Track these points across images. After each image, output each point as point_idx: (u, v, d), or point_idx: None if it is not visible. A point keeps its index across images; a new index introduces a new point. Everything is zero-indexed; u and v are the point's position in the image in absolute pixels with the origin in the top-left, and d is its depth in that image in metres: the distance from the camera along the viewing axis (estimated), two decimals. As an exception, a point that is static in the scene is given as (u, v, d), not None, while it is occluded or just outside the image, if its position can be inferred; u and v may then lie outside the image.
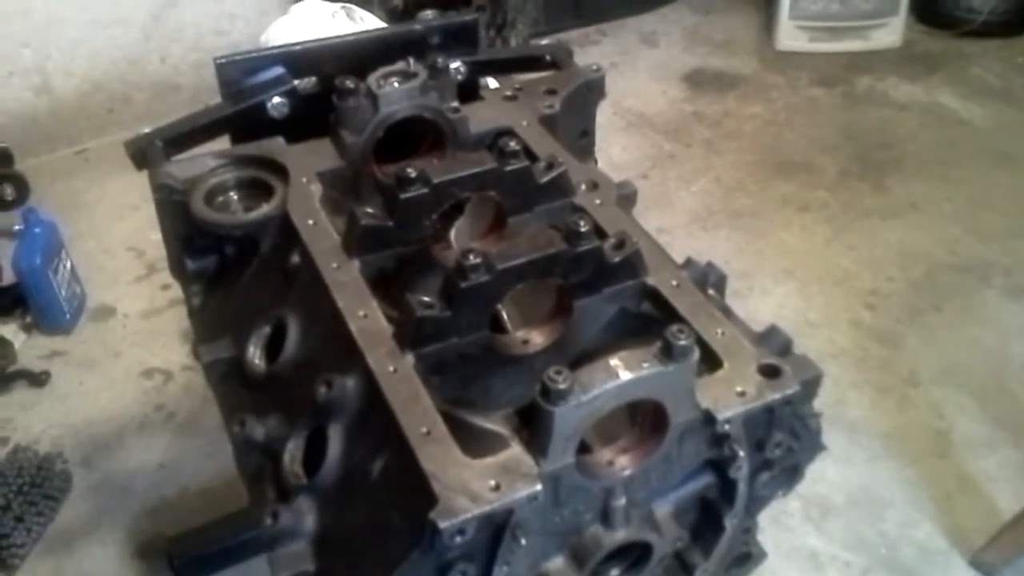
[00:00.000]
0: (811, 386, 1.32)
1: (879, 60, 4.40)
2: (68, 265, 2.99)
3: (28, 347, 2.93)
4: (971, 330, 2.95)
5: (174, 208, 1.56)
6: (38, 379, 2.78)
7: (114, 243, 3.35)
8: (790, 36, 4.48)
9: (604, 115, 1.88)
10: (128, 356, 2.90)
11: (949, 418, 2.65)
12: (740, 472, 1.30)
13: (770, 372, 1.25)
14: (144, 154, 1.63)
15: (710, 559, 1.41)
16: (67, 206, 3.44)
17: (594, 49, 4.49)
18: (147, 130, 1.69)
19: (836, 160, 3.74)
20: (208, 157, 1.61)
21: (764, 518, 1.52)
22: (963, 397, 2.71)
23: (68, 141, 3.87)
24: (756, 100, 4.14)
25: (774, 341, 1.35)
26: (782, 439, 1.31)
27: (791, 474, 1.42)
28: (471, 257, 1.21)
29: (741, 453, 1.27)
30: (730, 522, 1.37)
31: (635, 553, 1.35)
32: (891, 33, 4.48)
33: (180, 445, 2.62)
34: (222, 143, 1.73)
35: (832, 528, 2.37)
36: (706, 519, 1.38)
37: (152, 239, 3.22)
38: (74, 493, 2.48)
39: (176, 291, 2.97)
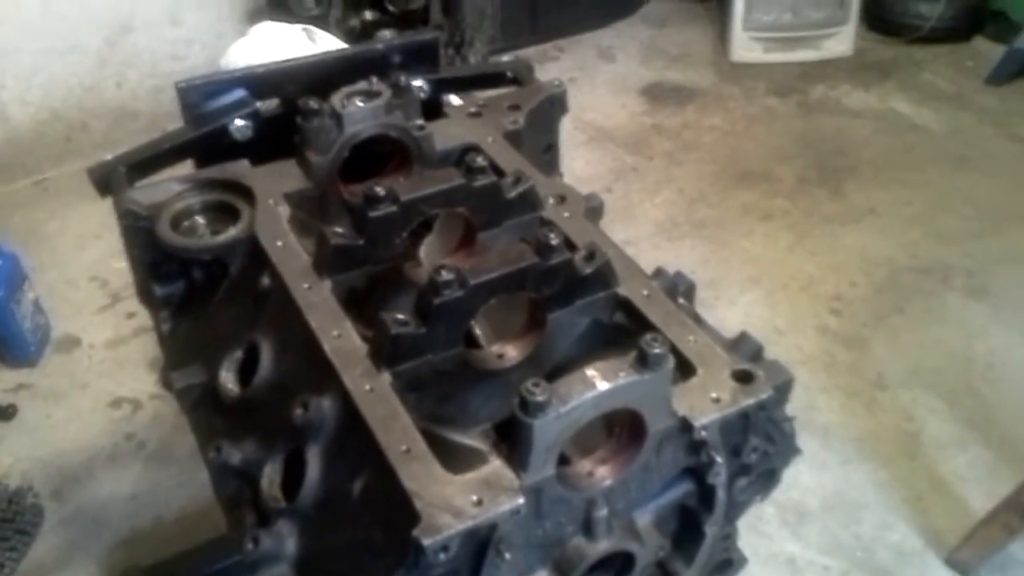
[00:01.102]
0: (784, 390, 1.34)
1: (832, 69, 4.47)
2: (31, 297, 2.94)
3: (-8, 381, 2.89)
4: (935, 331, 2.99)
5: (140, 234, 1.54)
6: (5, 413, 2.74)
7: (77, 273, 3.31)
8: (744, 47, 4.53)
9: (565, 130, 1.89)
10: (95, 387, 2.86)
11: (918, 420, 2.68)
12: (718, 478, 1.31)
13: (744, 378, 1.26)
14: (107, 181, 1.62)
15: (692, 566, 1.41)
16: (28, 237, 3.40)
17: (552, 65, 4.52)
18: (109, 157, 1.67)
19: (794, 168, 3.79)
20: (172, 182, 1.60)
21: (741, 525, 1.52)
22: (931, 398, 2.74)
23: (26, 171, 3.83)
24: (714, 111, 4.19)
25: (745, 347, 1.36)
26: (758, 444, 1.32)
27: (768, 479, 1.43)
28: (444, 273, 1.21)
29: (719, 459, 1.28)
30: (710, 528, 1.37)
31: (618, 563, 1.35)
32: (842, 42, 4.55)
33: (151, 475, 2.58)
34: (186, 168, 1.71)
35: (808, 533, 2.39)
36: (687, 527, 1.39)
37: (115, 268, 3.20)
38: (46, 527, 2.44)
39: (141, 319, 2.95)
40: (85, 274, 3.29)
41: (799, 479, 2.48)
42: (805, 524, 2.41)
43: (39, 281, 3.09)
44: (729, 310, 3.06)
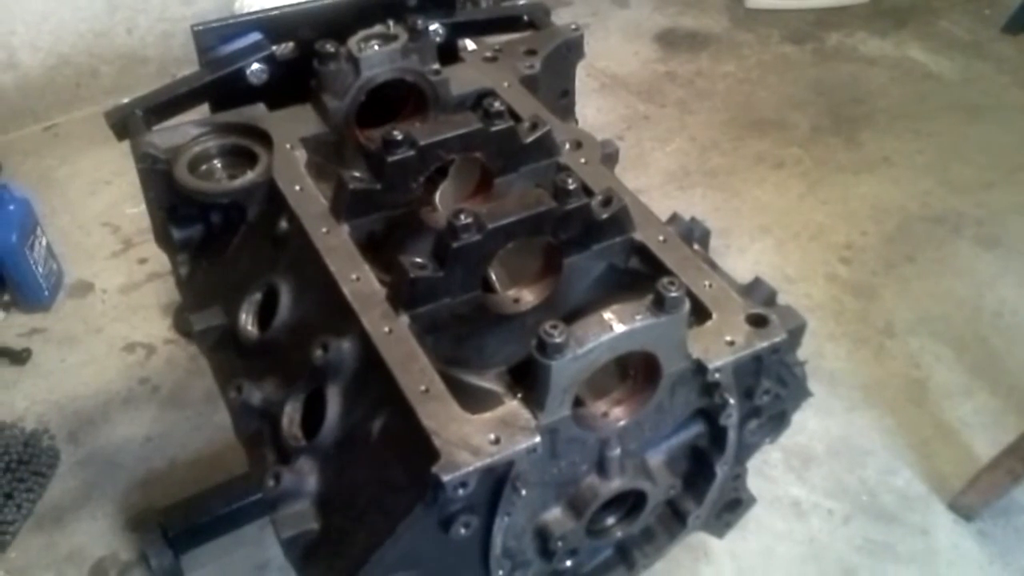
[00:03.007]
0: (796, 334, 1.36)
1: (848, 16, 4.42)
2: (44, 242, 2.96)
3: (7, 325, 2.91)
4: (945, 280, 2.99)
5: (158, 177, 1.56)
6: (19, 357, 2.77)
7: (88, 219, 3.32)
8: (760, -7, 4.48)
9: (578, 77, 1.88)
10: (109, 331, 2.89)
11: (925, 367, 2.70)
12: (730, 420, 1.33)
13: (758, 321, 1.27)
14: (124, 124, 1.62)
15: (702, 505, 1.44)
16: (39, 183, 3.40)
17: (565, 11, 4.47)
18: (121, 102, 1.68)
19: (808, 116, 3.77)
20: (190, 125, 1.61)
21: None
22: (938, 346, 2.76)
23: (36, 117, 3.82)
24: (728, 59, 4.15)
25: (759, 293, 1.38)
26: (770, 386, 1.34)
27: (778, 421, 1.45)
28: (462, 217, 1.22)
29: (731, 401, 1.30)
30: (721, 469, 1.40)
31: (630, 502, 1.38)
32: (859, -12, 4.49)
33: (166, 418, 2.61)
34: (202, 112, 1.72)
35: (814, 477, 2.42)
36: (698, 467, 1.41)
37: (127, 214, 3.21)
38: (62, 469, 2.48)
39: (154, 265, 2.97)
40: (97, 220, 3.30)
41: (805, 424, 2.50)
42: (810, 468, 2.44)
43: (51, 227, 3.11)
44: (739, 259, 3.07)
